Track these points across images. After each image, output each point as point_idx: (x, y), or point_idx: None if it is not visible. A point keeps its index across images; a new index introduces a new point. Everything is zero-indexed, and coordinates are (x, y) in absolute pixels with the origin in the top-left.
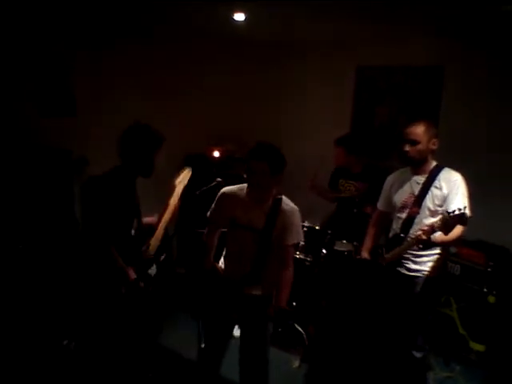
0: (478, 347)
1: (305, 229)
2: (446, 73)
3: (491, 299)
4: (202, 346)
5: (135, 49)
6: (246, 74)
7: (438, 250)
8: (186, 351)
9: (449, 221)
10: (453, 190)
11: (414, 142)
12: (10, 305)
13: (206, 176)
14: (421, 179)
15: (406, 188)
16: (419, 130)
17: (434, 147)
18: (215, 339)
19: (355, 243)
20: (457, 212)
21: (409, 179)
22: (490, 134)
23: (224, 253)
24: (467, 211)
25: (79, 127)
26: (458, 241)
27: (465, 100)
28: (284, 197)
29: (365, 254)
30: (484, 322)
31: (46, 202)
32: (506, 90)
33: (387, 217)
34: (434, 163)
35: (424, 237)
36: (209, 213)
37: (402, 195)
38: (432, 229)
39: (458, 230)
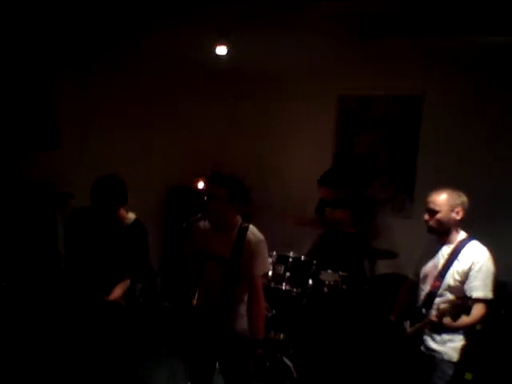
0: (467, 376)
1: (290, 259)
2: (424, 102)
3: (478, 327)
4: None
5: (121, 82)
6: (229, 106)
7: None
8: None
9: (455, 308)
10: (474, 270)
11: (433, 212)
12: None
13: (191, 208)
14: (446, 250)
15: (431, 259)
16: (439, 199)
17: (458, 217)
18: (197, 376)
19: (341, 273)
20: (463, 299)
21: (435, 250)
22: (469, 163)
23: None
24: (489, 296)
25: (63, 161)
26: (475, 323)
27: (444, 129)
28: (251, 225)
29: (391, 318)
30: (471, 350)
31: (28, 236)
32: (484, 119)
33: (417, 286)
34: (463, 234)
35: (435, 319)
36: (176, 244)
37: (426, 266)
38: (443, 313)
39: (465, 318)
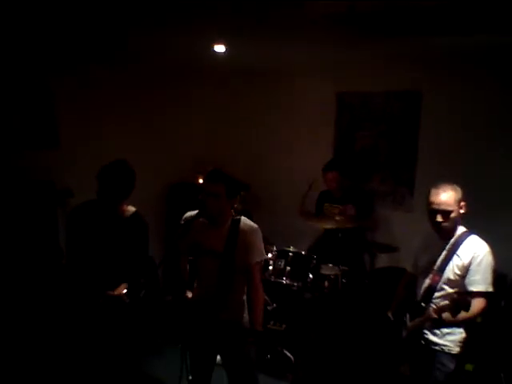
0: (468, 367)
1: (290, 254)
2: (423, 98)
3: (478, 319)
4: (190, 378)
5: (120, 80)
6: (230, 102)
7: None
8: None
9: (454, 303)
10: (473, 264)
11: (447, 213)
12: None
13: (192, 204)
14: (446, 245)
15: (431, 253)
16: (450, 198)
17: (463, 211)
18: (199, 368)
19: (341, 267)
20: (475, 298)
21: (435, 244)
22: (468, 157)
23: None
24: (490, 289)
25: (63, 159)
26: (475, 317)
27: (443, 123)
28: (243, 217)
29: (390, 315)
30: (473, 341)
31: (29, 234)
32: (483, 113)
33: (416, 280)
34: (462, 229)
35: (434, 315)
36: (176, 239)
37: (426, 260)
38: (442, 309)
39: (463, 313)
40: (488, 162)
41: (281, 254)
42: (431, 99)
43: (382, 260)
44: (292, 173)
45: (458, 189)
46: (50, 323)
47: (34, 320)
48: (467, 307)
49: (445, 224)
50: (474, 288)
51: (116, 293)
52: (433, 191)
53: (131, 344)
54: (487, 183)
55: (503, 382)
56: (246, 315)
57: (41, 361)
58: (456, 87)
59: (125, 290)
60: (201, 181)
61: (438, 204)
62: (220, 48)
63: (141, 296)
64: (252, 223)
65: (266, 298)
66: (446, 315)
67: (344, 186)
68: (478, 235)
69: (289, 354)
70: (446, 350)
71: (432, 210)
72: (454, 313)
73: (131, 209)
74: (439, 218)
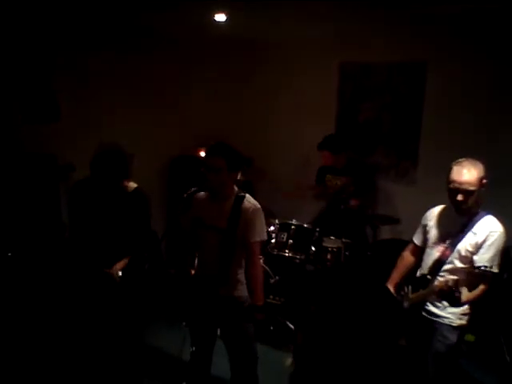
0: (469, 337)
1: (293, 227)
2: (428, 68)
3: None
4: (193, 348)
5: (120, 52)
6: (231, 74)
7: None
8: (178, 354)
9: (473, 278)
10: (487, 242)
11: (470, 193)
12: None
13: (193, 177)
14: (462, 221)
15: (445, 226)
16: (473, 178)
17: (483, 188)
18: (200, 341)
19: (343, 239)
20: (482, 269)
21: (450, 218)
22: (475, 129)
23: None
24: (495, 269)
25: (64, 133)
26: (478, 297)
27: (447, 95)
28: (247, 194)
29: (390, 287)
30: (475, 314)
31: (32, 208)
32: (489, 85)
33: (421, 252)
34: (477, 207)
35: (446, 290)
36: (179, 216)
37: (439, 233)
38: (456, 284)
39: (481, 287)
40: (492, 135)
41: (283, 227)
42: (436, 70)
43: (384, 232)
44: (294, 145)
45: (481, 166)
46: (53, 298)
47: (36, 295)
48: (487, 281)
49: (465, 203)
50: (481, 262)
51: (113, 270)
52: (455, 169)
53: (132, 317)
54: (492, 155)
55: (504, 349)
56: (245, 291)
57: (43, 332)
58: (460, 59)
59: (120, 271)
60: (202, 154)
61: (460, 183)
62: (221, 17)
63: (145, 269)
64: (255, 202)
65: (269, 270)
66: (462, 289)
67: (343, 161)
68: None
69: (291, 325)
70: (447, 322)
71: (453, 189)
72: (472, 287)
73: (133, 185)
74: (460, 197)
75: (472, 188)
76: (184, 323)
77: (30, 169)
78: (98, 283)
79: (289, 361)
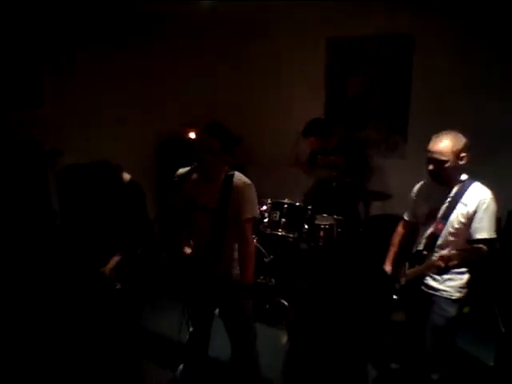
0: (465, 309)
1: (285, 206)
2: (416, 41)
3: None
4: (191, 329)
5: (106, 37)
6: (217, 52)
7: (463, 269)
8: (176, 335)
9: (465, 254)
10: (479, 211)
11: (440, 162)
12: None
13: (184, 159)
14: (450, 193)
15: (434, 201)
16: (444, 147)
17: (463, 162)
18: (198, 322)
19: (335, 216)
20: (480, 245)
21: (437, 191)
22: (462, 101)
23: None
24: (493, 235)
25: (49, 118)
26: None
27: (436, 68)
28: (236, 172)
29: (387, 267)
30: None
31: (21, 196)
32: (477, 57)
33: (414, 227)
34: (465, 176)
35: (442, 264)
36: (169, 196)
37: (428, 208)
38: (449, 259)
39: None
40: (481, 105)
41: (276, 206)
42: (423, 43)
43: (375, 208)
44: (283, 123)
45: (461, 139)
46: (45, 289)
47: (28, 286)
48: (479, 255)
49: (435, 173)
50: (479, 235)
51: (106, 269)
52: (432, 139)
53: (128, 303)
54: (480, 127)
55: (499, 319)
56: (237, 269)
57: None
58: (446, 31)
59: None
60: (191, 135)
61: (432, 152)
62: None
63: (138, 254)
64: (245, 178)
65: (263, 250)
66: (453, 264)
67: (334, 141)
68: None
69: (286, 303)
70: (446, 296)
71: (427, 159)
72: (463, 262)
73: (127, 176)
74: (430, 167)
75: (442, 158)
76: (182, 306)
77: (17, 155)
78: (92, 278)
79: (284, 338)
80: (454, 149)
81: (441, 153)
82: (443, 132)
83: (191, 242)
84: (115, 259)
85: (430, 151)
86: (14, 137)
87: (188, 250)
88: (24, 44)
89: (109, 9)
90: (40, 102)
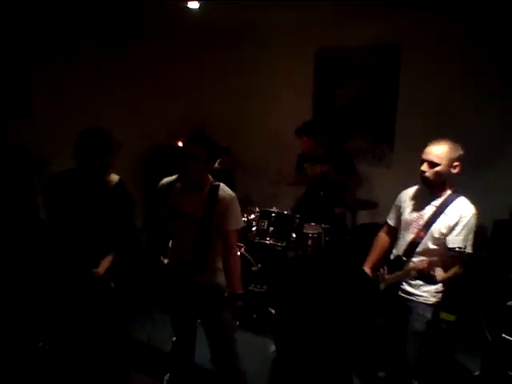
0: (450, 317)
1: (273, 214)
2: (402, 52)
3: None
4: (174, 339)
5: (94, 43)
6: (206, 62)
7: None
8: (161, 344)
9: (448, 259)
10: (459, 224)
11: (433, 164)
12: None
13: (172, 168)
14: (435, 203)
15: (418, 208)
16: (441, 151)
17: (455, 171)
18: (181, 330)
19: (323, 225)
20: (457, 250)
21: (424, 200)
22: (448, 111)
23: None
24: (468, 249)
25: (37, 126)
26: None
27: (422, 78)
28: (221, 184)
29: (366, 269)
30: (449, 291)
31: (8, 204)
32: (465, 68)
33: (396, 232)
34: (452, 189)
35: (423, 270)
36: (154, 206)
37: (412, 214)
38: (431, 264)
39: (456, 267)
40: (467, 115)
41: (264, 215)
42: (409, 53)
43: (363, 216)
44: (271, 133)
45: (458, 149)
46: (34, 294)
47: (17, 291)
48: (462, 261)
49: (427, 174)
50: (451, 245)
51: (99, 269)
52: (429, 144)
53: (116, 311)
54: (467, 138)
55: (485, 327)
56: (223, 278)
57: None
58: (433, 41)
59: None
60: (180, 144)
61: (427, 154)
62: (194, 4)
63: (125, 263)
64: (230, 191)
65: (251, 259)
66: (437, 270)
67: (320, 147)
68: (463, 194)
69: (272, 311)
70: (422, 300)
71: (421, 160)
72: (447, 268)
73: (115, 177)
74: (424, 167)
75: (437, 160)
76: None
77: (5, 164)
78: (81, 281)
79: (272, 347)
80: (450, 156)
81: (436, 155)
82: (442, 139)
83: (169, 251)
84: (108, 259)
85: (425, 153)
86: (2, 145)
87: (165, 260)
88: (12, 51)
89: (102, 21)
90: (28, 110)
